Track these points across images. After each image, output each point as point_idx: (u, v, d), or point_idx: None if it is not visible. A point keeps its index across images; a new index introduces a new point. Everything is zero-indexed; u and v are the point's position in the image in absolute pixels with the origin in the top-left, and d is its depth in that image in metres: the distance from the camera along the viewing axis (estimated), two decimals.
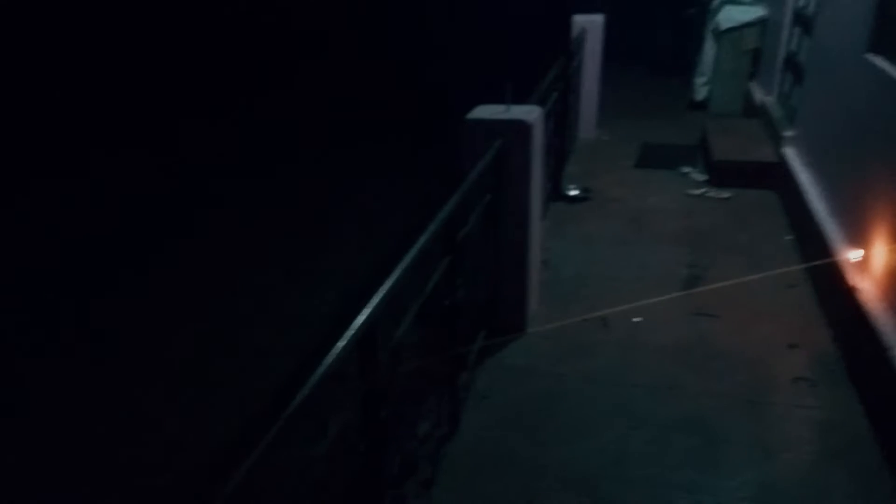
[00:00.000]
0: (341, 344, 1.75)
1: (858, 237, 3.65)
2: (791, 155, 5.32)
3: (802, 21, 5.88)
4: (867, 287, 3.37)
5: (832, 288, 3.78)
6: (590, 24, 6.78)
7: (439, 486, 2.76)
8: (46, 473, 3.15)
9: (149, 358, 4.07)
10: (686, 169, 6.14)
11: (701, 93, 8.07)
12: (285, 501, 1.77)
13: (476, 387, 3.36)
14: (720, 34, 7.57)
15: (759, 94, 7.07)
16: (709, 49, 7.87)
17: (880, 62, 3.64)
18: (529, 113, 3.62)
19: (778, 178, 5.48)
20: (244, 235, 5.67)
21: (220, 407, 3.54)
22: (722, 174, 5.75)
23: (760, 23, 7.37)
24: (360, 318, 1.87)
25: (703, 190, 5.69)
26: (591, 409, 3.21)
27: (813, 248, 4.23)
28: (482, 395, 3.31)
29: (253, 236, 5.66)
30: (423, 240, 2.40)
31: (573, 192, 5.69)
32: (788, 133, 5.54)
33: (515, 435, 3.06)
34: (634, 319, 3.88)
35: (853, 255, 3.55)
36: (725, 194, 5.57)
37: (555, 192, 5.62)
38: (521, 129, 3.51)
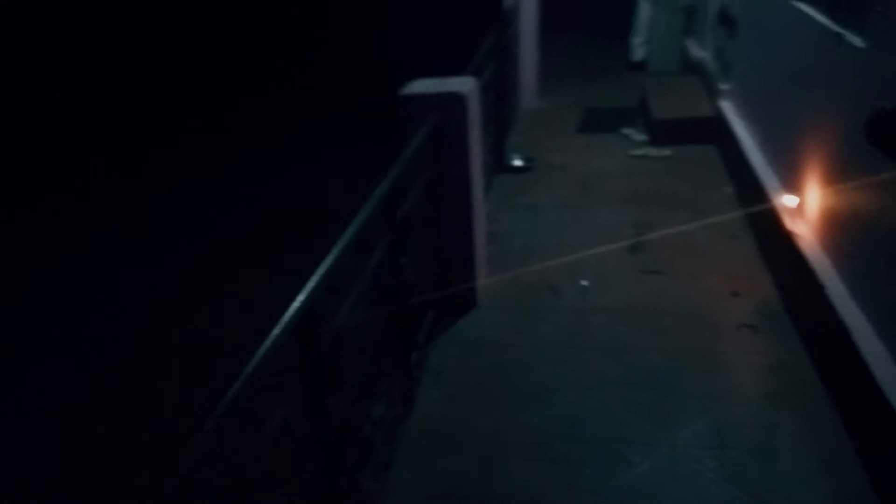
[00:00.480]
0: (276, 332, 1.73)
1: (793, 184, 3.74)
2: (728, 108, 5.41)
3: None
4: (803, 232, 3.46)
5: (771, 235, 3.87)
6: None
7: (397, 466, 2.77)
8: None
9: None
10: (627, 130, 6.20)
11: (638, 53, 8.13)
12: (235, 496, 1.74)
13: (429, 364, 3.36)
14: None
15: (695, 51, 7.15)
16: (643, 9, 7.91)
17: (808, 10, 3.69)
18: (464, 85, 3.60)
19: (717, 132, 5.57)
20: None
21: None
22: (662, 133, 5.82)
23: None
24: (296, 304, 1.84)
25: (644, 150, 5.75)
26: (544, 375, 3.24)
27: (752, 198, 4.32)
28: (436, 371, 3.31)
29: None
30: (358, 220, 2.37)
31: (517, 163, 5.69)
32: (724, 87, 5.62)
33: (471, 407, 3.07)
34: (583, 283, 3.92)
35: (789, 201, 3.64)
36: (666, 152, 5.64)
37: (499, 164, 5.61)
38: (456, 102, 3.49)
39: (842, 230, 3.09)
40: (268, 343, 1.68)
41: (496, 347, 3.47)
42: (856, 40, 2.94)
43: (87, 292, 5.06)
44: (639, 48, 8.13)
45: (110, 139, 7.94)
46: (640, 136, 6.05)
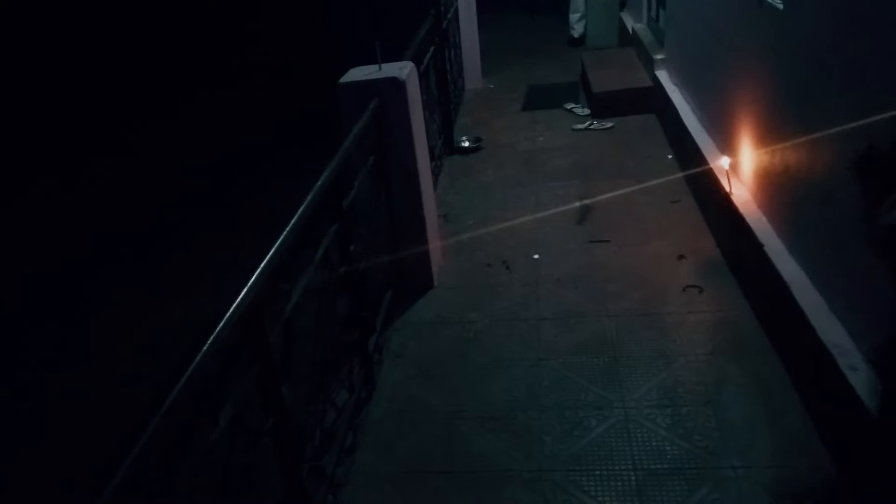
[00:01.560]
0: (220, 325, 1.73)
1: (728, 146, 3.85)
2: (664, 77, 5.52)
3: None
4: (740, 192, 3.58)
5: (711, 197, 3.99)
6: None
7: (361, 449, 2.80)
8: None
9: None
10: (570, 105, 6.28)
11: (577, 29, 8.22)
12: (195, 492, 1.74)
13: (389, 347, 3.40)
14: None
15: (630, 23, 7.26)
16: None
17: None
18: (401, 69, 3.60)
19: (655, 101, 5.68)
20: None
21: None
22: (603, 105, 5.92)
23: None
24: (239, 297, 1.85)
25: (587, 123, 5.84)
26: (501, 349, 3.30)
27: (691, 162, 4.43)
28: (396, 353, 3.35)
29: None
30: (300, 210, 2.37)
31: (466, 144, 5.73)
32: (659, 56, 5.73)
33: (431, 386, 3.12)
34: (534, 257, 3.99)
35: (725, 163, 3.75)
36: (609, 124, 5.74)
37: (448, 146, 5.65)
38: (394, 87, 3.49)
39: (775, 188, 3.21)
40: (211, 337, 1.68)
41: (454, 326, 3.51)
42: (776, 1, 3.04)
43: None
44: (577, 24, 8.23)
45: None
46: (583, 110, 6.14)
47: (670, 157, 5.01)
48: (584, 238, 4.08)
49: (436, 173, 4.95)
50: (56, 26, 10.42)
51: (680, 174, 4.68)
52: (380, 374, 3.22)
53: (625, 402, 2.86)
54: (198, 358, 1.60)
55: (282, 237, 2.18)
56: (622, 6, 7.77)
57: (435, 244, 3.97)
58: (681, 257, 3.76)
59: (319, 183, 2.60)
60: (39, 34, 10.19)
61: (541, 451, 2.68)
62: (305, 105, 7.13)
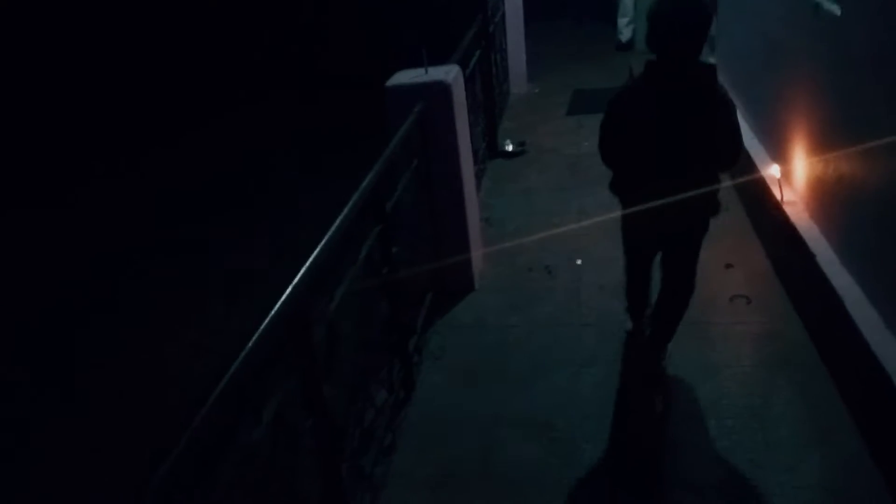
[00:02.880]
0: (264, 325, 1.76)
1: (780, 154, 3.76)
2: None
3: None
4: (792, 201, 3.49)
5: (760, 206, 3.89)
6: None
7: (400, 450, 2.81)
8: None
9: None
10: None
11: (625, 34, 8.12)
12: (237, 489, 1.78)
13: (429, 348, 3.40)
14: None
15: None
16: None
17: None
18: (447, 73, 3.62)
19: None
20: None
21: None
22: None
23: None
24: (283, 297, 1.87)
25: None
26: (542, 355, 3.28)
27: (741, 170, 4.32)
28: (435, 356, 3.35)
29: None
30: (345, 212, 2.40)
31: (509, 148, 5.71)
32: (710, 61, 5.62)
33: (471, 390, 3.11)
34: (577, 263, 3.95)
35: (776, 171, 3.65)
36: None
37: (491, 150, 5.64)
38: (440, 91, 3.51)
39: (829, 198, 3.12)
40: (256, 337, 1.71)
41: (494, 329, 3.50)
42: (833, 8, 2.95)
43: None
44: (625, 29, 8.12)
45: None
46: None
47: None
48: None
49: (479, 177, 4.94)
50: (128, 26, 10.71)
51: (729, 181, 4.57)
52: (419, 376, 3.23)
53: (667, 412, 2.81)
54: (242, 356, 1.63)
55: (326, 238, 2.21)
56: None
57: (476, 247, 3.97)
58: (728, 266, 3.68)
59: (364, 185, 2.63)
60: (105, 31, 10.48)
61: (580, 459, 2.65)
62: (351, 109, 7.19)
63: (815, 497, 2.38)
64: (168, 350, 4.39)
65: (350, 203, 2.46)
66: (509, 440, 2.81)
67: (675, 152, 2.56)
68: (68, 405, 4.03)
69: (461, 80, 3.79)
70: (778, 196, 3.55)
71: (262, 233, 5.64)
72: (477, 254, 3.96)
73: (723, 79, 5.25)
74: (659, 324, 3.03)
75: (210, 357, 4.11)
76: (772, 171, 3.67)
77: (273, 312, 1.79)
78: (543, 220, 4.54)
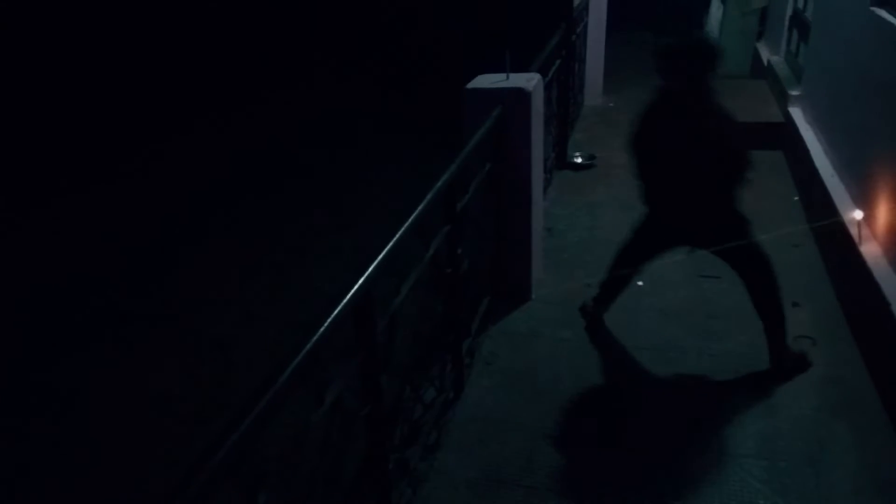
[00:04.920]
0: (336, 311, 1.80)
1: (862, 195, 3.64)
2: (797, 114, 5.27)
3: None
4: (870, 244, 3.37)
5: (836, 246, 3.78)
6: None
7: (444, 449, 2.83)
8: None
9: None
10: None
11: None
12: (289, 467, 1.82)
13: (481, 353, 3.42)
14: None
15: (766, 54, 6.98)
16: (715, 9, 7.75)
17: (885, 15, 3.59)
18: (528, 81, 3.63)
19: (784, 138, 5.43)
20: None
21: None
22: None
23: None
24: (355, 286, 1.92)
25: None
26: (593, 373, 3.26)
27: (818, 206, 4.22)
28: (486, 360, 3.37)
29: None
30: (419, 208, 2.43)
31: (578, 160, 5.68)
32: (795, 92, 5.48)
33: (519, 398, 3.12)
34: (638, 283, 3.90)
35: (856, 213, 3.54)
36: None
37: (560, 160, 5.62)
38: (519, 97, 3.52)
39: None
40: (328, 321, 1.75)
41: (547, 341, 3.50)
42: None
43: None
44: None
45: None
46: None
47: (795, 198, 4.78)
48: (692, 270, 3.96)
49: (545, 186, 4.93)
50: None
51: (803, 217, 4.45)
52: (469, 378, 3.25)
53: (718, 446, 2.76)
54: (315, 338, 1.68)
55: (400, 233, 2.24)
56: (759, 35, 7.48)
57: (537, 257, 3.96)
58: (795, 304, 3.58)
59: (439, 185, 2.66)
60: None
61: (623, 480, 2.63)
62: (430, 107, 7.27)
63: None
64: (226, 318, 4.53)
65: (425, 200, 2.49)
66: (555, 453, 2.81)
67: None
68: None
69: (541, 89, 3.80)
70: (856, 238, 3.44)
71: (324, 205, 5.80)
72: (537, 263, 3.96)
73: (806, 110, 5.13)
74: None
75: (263, 325, 4.24)
76: (852, 212, 3.56)
77: (346, 300, 1.83)
78: (606, 236, 4.48)
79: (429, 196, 2.53)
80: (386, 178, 6.20)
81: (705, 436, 2.81)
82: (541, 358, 3.38)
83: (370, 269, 2.01)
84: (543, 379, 3.23)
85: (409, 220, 2.33)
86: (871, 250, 3.33)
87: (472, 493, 2.64)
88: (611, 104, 7.16)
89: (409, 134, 7.16)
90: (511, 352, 3.44)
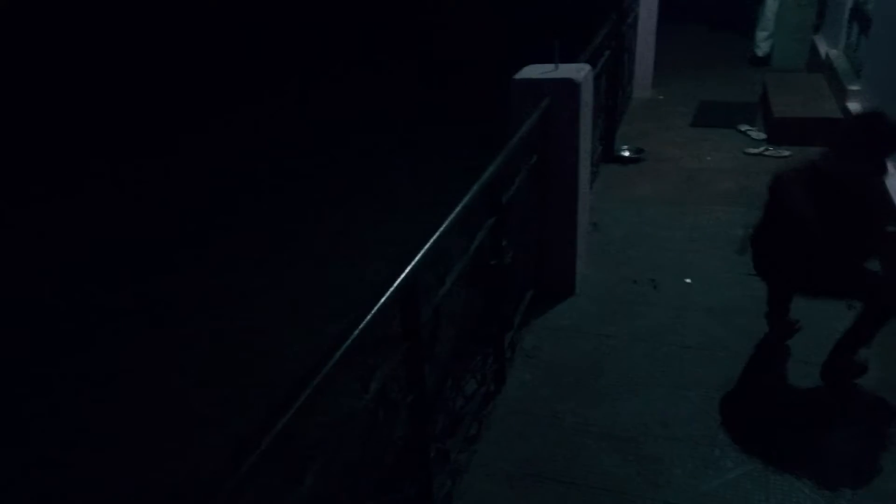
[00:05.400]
0: (383, 300, 1.80)
1: None
2: (856, 110, 5.09)
3: None
4: None
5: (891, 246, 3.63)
6: None
7: (484, 441, 2.82)
8: None
9: None
10: (744, 127, 5.95)
11: (763, 48, 7.75)
12: (331, 450, 1.83)
13: (523, 346, 3.39)
14: None
15: (823, 48, 6.75)
16: (771, 2, 7.52)
17: None
18: (578, 71, 3.57)
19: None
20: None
21: None
22: (782, 131, 5.55)
23: None
24: (401, 276, 1.91)
25: (761, 148, 5.50)
26: (638, 370, 3.20)
27: None
28: (529, 354, 3.34)
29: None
30: (465, 200, 2.42)
31: (626, 153, 5.58)
32: (854, 87, 5.29)
33: (561, 394, 3.08)
34: (686, 280, 3.83)
35: None
36: (785, 153, 5.37)
37: (607, 153, 5.53)
38: (568, 88, 3.47)
39: None
40: (374, 309, 1.76)
41: (591, 337, 3.45)
42: None
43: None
44: (763, 42, 7.74)
45: None
46: (758, 135, 5.79)
47: None
48: (743, 269, 3.84)
49: (591, 180, 4.86)
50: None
51: None
52: (510, 372, 3.23)
53: (767, 450, 2.69)
54: (361, 326, 1.68)
55: (445, 224, 2.23)
56: (817, 28, 7.24)
57: (582, 251, 3.91)
58: (851, 307, 3.46)
59: (485, 177, 2.64)
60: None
61: (668, 482, 2.58)
62: (473, 99, 7.24)
63: None
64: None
65: (470, 192, 2.47)
66: (593, 449, 2.77)
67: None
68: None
69: (591, 80, 3.73)
70: None
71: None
72: (581, 257, 3.91)
73: (865, 107, 4.94)
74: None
75: (305, 316, 4.28)
76: None
77: (392, 289, 1.83)
78: (653, 232, 4.42)
79: (474, 188, 2.52)
80: (429, 171, 6.20)
81: (755, 440, 2.74)
82: (583, 353, 3.34)
83: (416, 258, 2.00)
84: (586, 375, 3.19)
85: (455, 211, 2.32)
86: None
87: (512, 487, 2.63)
88: (660, 97, 7.02)
89: (450, 126, 7.14)
90: (553, 346, 3.40)
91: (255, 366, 3.90)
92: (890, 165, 3.11)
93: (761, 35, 7.74)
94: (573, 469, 2.69)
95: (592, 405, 3.00)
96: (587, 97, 3.63)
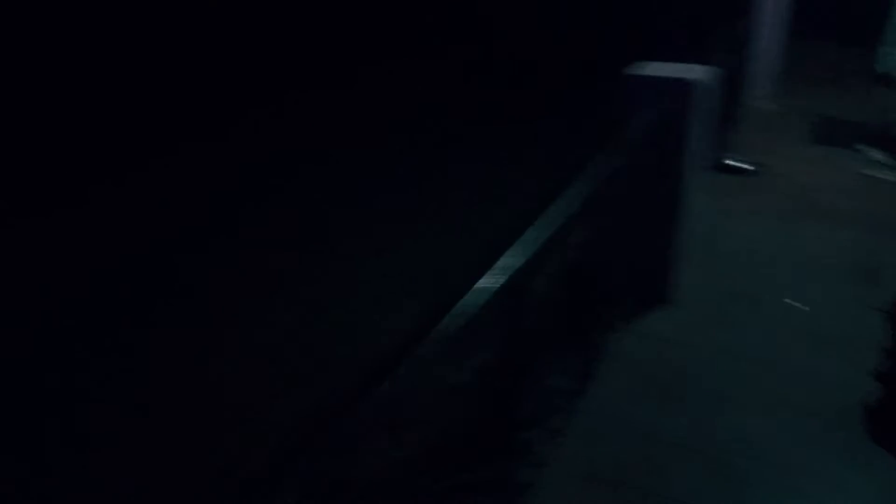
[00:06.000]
0: (490, 285, 1.82)
1: None
2: None
3: None
4: None
5: None
6: None
7: (566, 438, 2.81)
8: None
9: None
10: (863, 146, 5.62)
11: (887, 64, 7.26)
12: (420, 422, 1.88)
13: (613, 349, 3.34)
14: None
15: None
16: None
17: None
18: (698, 73, 3.46)
19: None
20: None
21: None
22: None
23: None
24: (514, 269, 1.92)
25: (881, 171, 5.19)
26: (729, 389, 3.10)
27: None
28: (618, 358, 3.29)
29: None
30: (565, 198, 2.40)
31: (738, 164, 5.38)
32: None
33: (647, 402, 3.03)
34: (795, 304, 3.66)
35: None
36: None
37: (717, 162, 5.35)
38: (685, 90, 3.36)
39: None
40: (485, 295, 1.78)
41: (683, 348, 3.37)
42: None
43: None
44: (887, 58, 7.25)
45: None
46: (878, 156, 5.46)
47: None
48: (859, 298, 3.66)
49: (700, 188, 4.71)
50: None
51: None
52: (599, 375, 3.19)
53: (861, 489, 2.56)
54: (460, 311, 1.70)
55: (559, 219, 2.22)
56: None
57: (682, 260, 3.81)
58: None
59: (589, 174, 2.60)
60: None
61: None
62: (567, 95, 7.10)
63: None
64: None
65: (571, 190, 2.45)
66: (676, 463, 2.71)
67: None
68: None
69: (710, 84, 3.61)
70: None
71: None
72: (682, 267, 3.80)
73: None
74: None
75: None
76: None
77: (505, 279, 1.85)
78: (756, 247, 4.25)
79: (588, 185, 2.49)
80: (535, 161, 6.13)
81: (851, 477, 2.61)
82: (674, 363, 3.27)
83: (532, 252, 2.00)
84: (675, 388, 3.12)
85: (570, 209, 2.31)
86: None
87: (590, 488, 2.61)
88: (778, 108, 6.72)
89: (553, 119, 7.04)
90: (645, 354, 3.34)
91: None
92: None
93: (885, 50, 7.26)
94: (652, 479, 2.64)
95: (678, 416, 2.94)
96: (706, 101, 3.52)
